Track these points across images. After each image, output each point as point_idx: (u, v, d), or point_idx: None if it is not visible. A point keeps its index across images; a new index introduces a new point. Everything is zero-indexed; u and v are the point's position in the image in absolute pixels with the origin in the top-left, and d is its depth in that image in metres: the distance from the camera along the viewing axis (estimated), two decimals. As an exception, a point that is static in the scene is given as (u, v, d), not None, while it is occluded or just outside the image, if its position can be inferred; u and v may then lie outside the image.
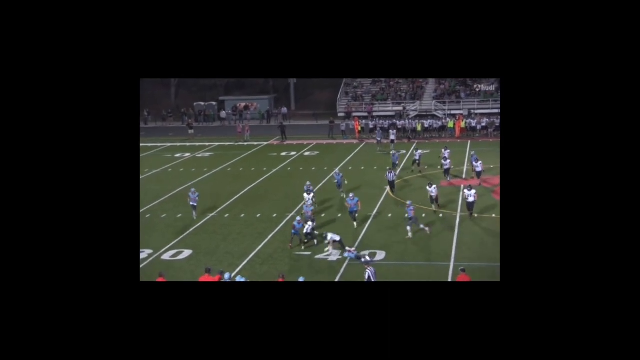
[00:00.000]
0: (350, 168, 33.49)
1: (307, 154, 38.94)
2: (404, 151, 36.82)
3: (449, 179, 29.27)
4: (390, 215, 24.59)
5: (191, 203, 24.66)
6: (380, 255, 20.25)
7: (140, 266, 19.93)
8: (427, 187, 24.60)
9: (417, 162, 31.56)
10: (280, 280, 16.16)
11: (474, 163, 28.68)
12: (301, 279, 15.88)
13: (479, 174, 28.23)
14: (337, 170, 28.32)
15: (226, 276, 16.39)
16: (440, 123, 43.80)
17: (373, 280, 16.14)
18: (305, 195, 24.58)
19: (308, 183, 25.65)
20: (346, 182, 27.86)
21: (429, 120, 44.10)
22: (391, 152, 32.17)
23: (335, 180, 27.42)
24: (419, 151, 32.27)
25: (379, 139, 38.35)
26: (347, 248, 19.87)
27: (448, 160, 29.53)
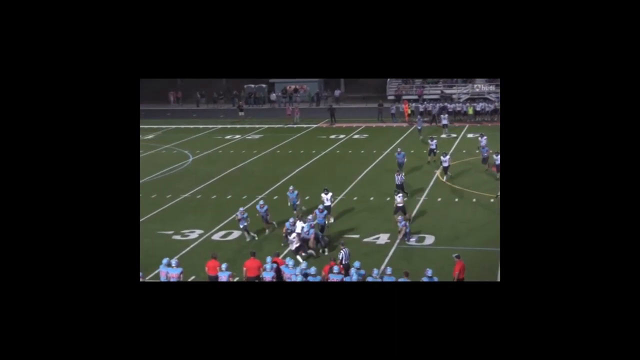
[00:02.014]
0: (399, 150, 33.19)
1: (356, 136, 38.81)
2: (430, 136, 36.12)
3: (445, 179, 26.80)
4: (439, 199, 24.34)
5: (241, 225, 20.91)
6: (430, 239, 20.10)
7: (191, 246, 20.31)
8: (394, 195, 22.27)
9: (433, 151, 29.60)
10: (332, 263, 16.17)
11: (494, 156, 27.20)
12: (357, 264, 15.85)
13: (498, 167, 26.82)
14: (291, 187, 23.08)
15: (268, 259, 16.53)
16: (492, 106, 42.92)
17: (345, 262, 16.69)
18: (322, 195, 22.28)
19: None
20: (299, 202, 22.83)
21: (480, 104, 43.29)
22: (397, 150, 29.23)
23: (289, 200, 22.86)
24: (435, 140, 30.25)
25: (419, 128, 36.99)
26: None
27: (447, 157, 26.91)
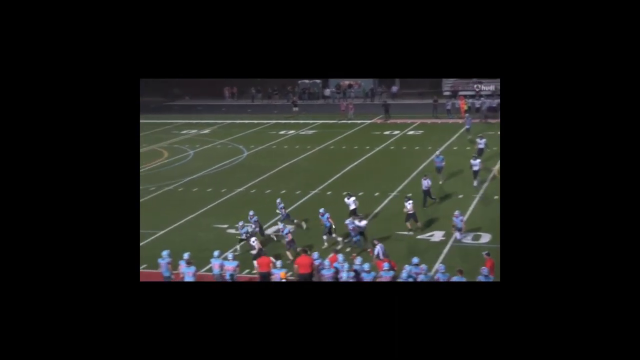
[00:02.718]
0: (455, 148, 32.74)
1: (410, 133, 38.45)
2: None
3: (475, 184, 25.30)
4: (496, 197, 23.88)
5: (242, 237, 19.55)
6: (486, 237, 19.76)
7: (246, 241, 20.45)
8: (405, 201, 20.79)
9: (483, 151, 27.94)
10: (386, 260, 16.03)
11: None
12: (415, 260, 15.70)
13: None
14: (278, 200, 21.87)
15: (314, 255, 16.48)
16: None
17: (382, 257, 16.54)
18: (346, 200, 21.68)
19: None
20: (292, 218, 21.46)
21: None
22: (436, 153, 27.44)
23: (278, 211, 21.50)
24: (484, 139, 28.62)
25: (468, 127, 35.90)
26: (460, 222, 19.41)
27: (477, 160, 25.14)
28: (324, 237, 19.73)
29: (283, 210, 21.00)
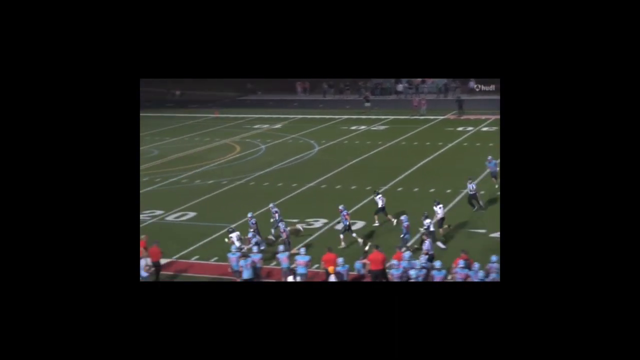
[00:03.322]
0: (489, 159, 31.77)
1: (484, 129, 37.57)
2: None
3: None
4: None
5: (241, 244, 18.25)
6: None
7: (315, 235, 20.48)
8: (434, 206, 19.86)
9: None
10: (464, 256, 15.63)
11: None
12: (494, 258, 15.29)
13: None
14: (272, 204, 21.00)
15: (406, 255, 16.24)
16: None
17: (431, 252, 16.58)
18: (375, 198, 21.26)
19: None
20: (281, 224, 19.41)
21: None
22: (488, 158, 25.69)
23: (273, 220, 20.34)
24: None
25: None
26: None
27: None
28: (341, 236, 19.38)
29: (277, 215, 20.06)
